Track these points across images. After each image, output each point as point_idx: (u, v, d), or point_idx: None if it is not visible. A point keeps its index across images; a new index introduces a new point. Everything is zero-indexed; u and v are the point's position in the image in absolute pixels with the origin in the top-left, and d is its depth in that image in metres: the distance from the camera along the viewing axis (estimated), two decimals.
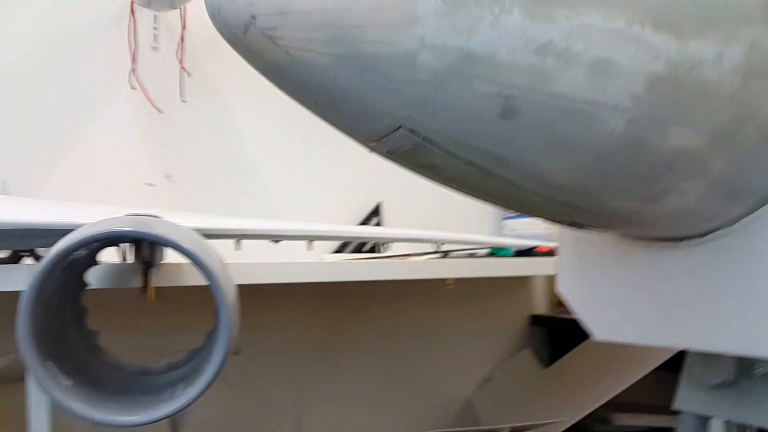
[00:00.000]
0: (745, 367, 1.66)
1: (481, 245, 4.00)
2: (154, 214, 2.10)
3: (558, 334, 4.61)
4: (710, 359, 1.69)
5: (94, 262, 2.22)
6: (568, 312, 1.88)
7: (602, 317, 1.77)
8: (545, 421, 3.59)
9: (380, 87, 1.07)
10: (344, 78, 1.06)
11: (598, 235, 1.72)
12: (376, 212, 4.77)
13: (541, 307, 4.79)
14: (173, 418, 3.57)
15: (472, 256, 4.10)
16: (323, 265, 3.71)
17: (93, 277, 2.22)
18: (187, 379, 1.83)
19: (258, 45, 1.04)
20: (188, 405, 1.71)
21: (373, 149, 1.21)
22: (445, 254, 3.96)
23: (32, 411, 2.17)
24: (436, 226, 4.69)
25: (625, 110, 1.15)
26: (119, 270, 2.35)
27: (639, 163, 1.23)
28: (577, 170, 1.22)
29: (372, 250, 4.59)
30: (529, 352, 4.47)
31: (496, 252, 4.11)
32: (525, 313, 4.73)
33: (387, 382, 4.15)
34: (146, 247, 2.16)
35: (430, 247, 3.91)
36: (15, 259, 2.69)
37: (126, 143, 4.06)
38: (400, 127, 1.14)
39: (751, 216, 1.45)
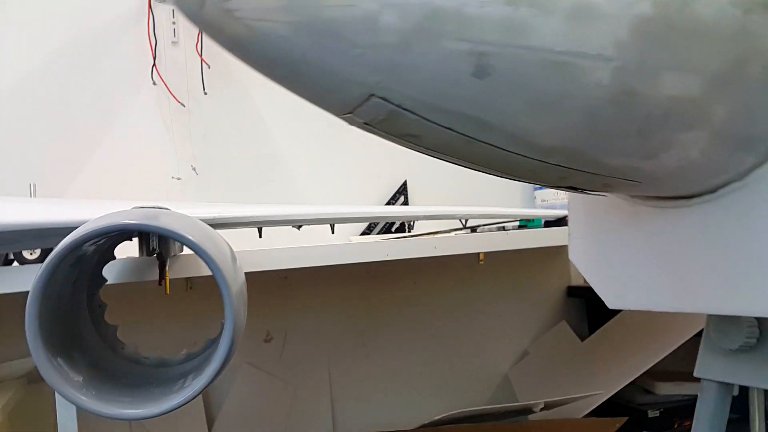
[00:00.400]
0: (766, 330, 1.56)
1: (509, 218, 3.91)
2: (164, 206, 2.11)
3: (596, 304, 4.47)
4: (729, 324, 1.59)
5: (112, 257, 2.25)
6: None
7: (615, 284, 1.69)
8: (581, 395, 3.50)
9: (344, 54, 1.01)
10: (306, 47, 1.00)
11: (604, 198, 1.63)
12: (402, 191, 4.71)
13: (577, 278, 4.68)
14: (208, 407, 3.63)
15: (502, 229, 4.01)
16: (349, 246, 3.69)
17: (110, 273, 2.25)
18: (198, 369, 1.84)
19: (216, 19, 0.99)
20: (196, 396, 1.71)
21: (349, 122, 1.16)
22: (473, 229, 3.89)
23: (59, 408, 2.22)
24: (464, 201, 4.61)
25: (611, 59, 1.06)
26: (135, 264, 2.37)
27: (632, 116, 1.14)
28: (565, 129, 1.15)
29: (400, 230, 4.55)
30: (565, 325, 4.38)
31: (526, 224, 4.01)
32: (561, 285, 4.62)
33: (422, 361, 4.12)
34: (154, 240, 2.17)
35: (457, 223, 3.85)
36: (42, 258, 2.76)
37: (151, 139, 4.11)
38: (371, 95, 1.09)
39: (764, 166, 1.34)
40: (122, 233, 2.03)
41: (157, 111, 4.17)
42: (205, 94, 4.24)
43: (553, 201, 4.75)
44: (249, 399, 3.72)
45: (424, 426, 3.48)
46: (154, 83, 4.12)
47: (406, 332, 4.13)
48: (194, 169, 4.11)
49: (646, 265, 1.59)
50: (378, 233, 4.51)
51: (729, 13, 1.10)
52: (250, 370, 3.75)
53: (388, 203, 4.65)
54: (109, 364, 2.01)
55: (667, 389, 4.00)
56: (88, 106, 3.98)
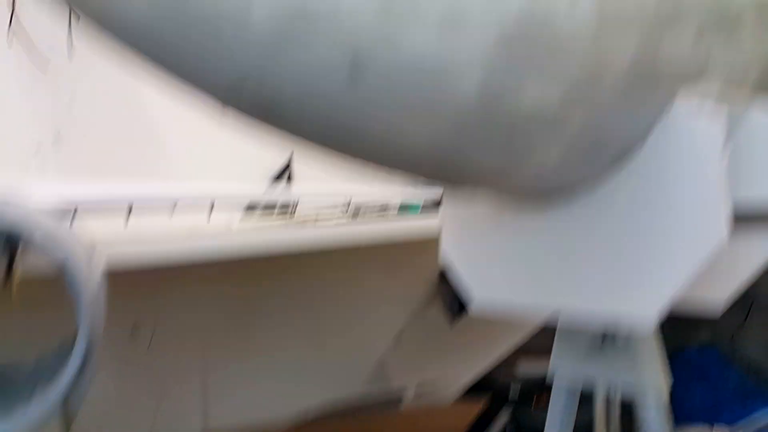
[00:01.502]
0: (608, 336, 1.69)
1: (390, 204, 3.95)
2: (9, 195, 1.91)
3: None
4: (576, 327, 1.71)
5: None
6: None
7: (483, 283, 1.76)
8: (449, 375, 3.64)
9: (212, 48, 0.97)
10: (171, 36, 0.96)
11: (474, 200, 1.69)
12: (289, 165, 4.61)
13: None
14: (65, 403, 3.39)
15: (384, 210, 4.04)
16: (224, 237, 3.55)
17: None
18: (51, 378, 1.70)
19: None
20: (51, 409, 1.58)
21: (224, 110, 1.13)
22: (356, 212, 3.89)
23: None
24: (354, 177, 4.57)
25: (478, 66, 1.09)
26: None
27: (498, 122, 1.19)
28: (436, 133, 1.17)
29: (284, 208, 4.45)
30: (437, 309, 4.52)
31: (405, 209, 4.06)
32: (436, 268, 4.74)
33: (299, 350, 4.08)
34: None
35: (340, 206, 3.82)
36: None
37: (7, 105, 3.69)
38: (242, 89, 1.05)
39: (612, 174, 1.44)
40: None
41: (14, 75, 3.74)
42: (72, 55, 3.84)
43: None
44: (112, 394, 3.51)
45: (296, 425, 3.47)
46: (10, 46, 3.69)
47: (283, 322, 4.07)
48: (57, 138, 3.74)
49: (511, 265, 1.67)
50: (261, 210, 4.39)
51: (584, 27, 1.16)
52: (112, 363, 3.54)
53: (276, 178, 4.53)
54: None
55: (527, 367, 4.27)
56: None
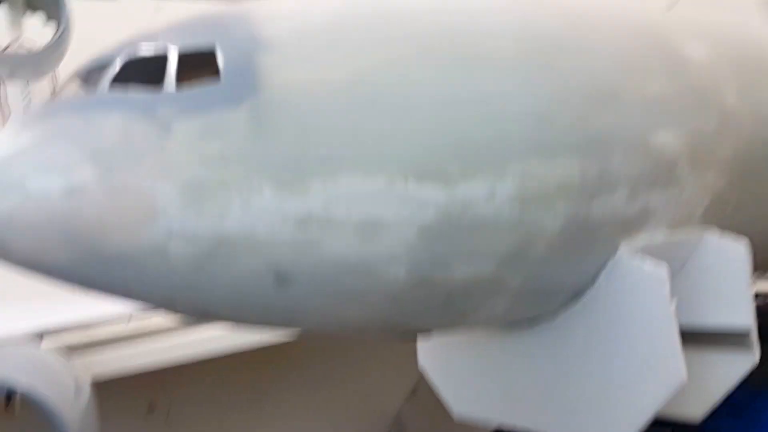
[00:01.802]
0: None
1: None
2: None
3: None
4: None
5: None
6: None
7: (460, 394, 1.77)
8: None
9: (133, 279, 1.02)
10: (90, 276, 1.01)
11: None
12: None
13: None
14: None
15: None
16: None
17: None
18: None
19: None
20: None
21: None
22: None
23: None
24: None
25: (403, 259, 1.13)
26: None
27: (434, 296, 1.22)
28: (373, 312, 1.20)
29: None
30: None
31: None
32: None
33: (315, 411, 4.11)
34: None
35: None
36: None
37: None
38: (173, 304, 1.11)
39: (569, 310, 1.45)
40: None
41: None
42: None
43: None
44: None
45: None
46: None
47: (298, 382, 4.11)
48: None
49: (485, 381, 1.68)
50: None
51: (507, 209, 1.19)
52: None
53: None
54: None
55: None
56: None
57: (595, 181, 1.28)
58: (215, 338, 2.95)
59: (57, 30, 2.83)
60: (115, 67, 1.00)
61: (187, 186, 0.98)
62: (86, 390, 2.00)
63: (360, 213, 1.07)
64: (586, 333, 1.42)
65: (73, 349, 2.74)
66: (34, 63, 3.34)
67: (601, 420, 1.41)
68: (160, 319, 3.07)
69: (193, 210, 0.98)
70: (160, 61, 1.00)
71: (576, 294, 1.43)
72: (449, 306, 1.26)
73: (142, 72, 1.01)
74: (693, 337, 1.39)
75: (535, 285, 1.34)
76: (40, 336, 2.28)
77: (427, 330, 1.33)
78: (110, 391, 3.63)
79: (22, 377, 1.67)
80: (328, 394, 4.20)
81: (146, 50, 1.03)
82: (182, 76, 1.02)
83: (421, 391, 4.44)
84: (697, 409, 1.51)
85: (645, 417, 1.34)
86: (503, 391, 1.65)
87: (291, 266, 1.06)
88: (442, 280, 1.19)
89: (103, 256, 0.98)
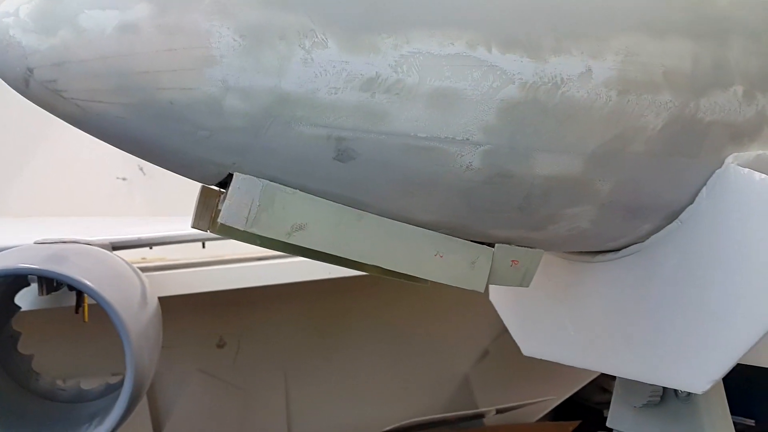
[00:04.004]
0: (669, 390, 1.52)
1: None
2: (69, 239, 2.02)
3: None
4: (635, 383, 1.54)
5: (26, 283, 2.17)
6: None
7: (530, 332, 1.64)
8: (532, 401, 3.49)
9: (189, 136, 0.94)
10: (147, 128, 0.94)
11: None
12: None
13: None
14: (156, 414, 3.59)
15: None
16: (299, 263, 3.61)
17: (24, 300, 2.17)
18: (104, 413, 1.78)
19: (44, 98, 0.93)
20: None
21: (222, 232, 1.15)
22: None
23: None
24: None
25: (479, 143, 0.99)
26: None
27: (510, 195, 1.07)
28: (442, 208, 1.08)
29: None
30: None
31: None
32: None
33: (381, 365, 4.07)
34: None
35: None
36: None
37: (94, 138, 3.97)
38: (230, 175, 1.02)
39: (662, 231, 1.28)
40: (17, 277, 1.94)
41: None
42: None
43: None
44: (200, 406, 3.67)
45: None
46: None
47: (365, 337, 4.08)
48: (141, 169, 3.99)
49: (557, 317, 1.54)
50: None
51: (603, 95, 1.03)
52: (201, 377, 3.70)
53: None
54: (18, 404, 1.95)
55: None
56: (24, 101, 3.83)
57: (707, 71, 1.10)
58: (287, 270, 2.93)
59: None
60: None
61: (246, 32, 0.89)
62: (153, 303, 2.00)
63: (434, 80, 0.94)
64: (679, 260, 1.24)
65: (143, 270, 2.81)
66: None
67: (685, 360, 1.25)
68: (233, 247, 3.09)
69: (251, 60, 0.90)
70: None
71: (670, 214, 1.25)
72: (526, 211, 1.12)
73: None
74: None
75: (626, 196, 1.17)
76: (112, 248, 2.31)
77: (500, 239, 1.18)
78: (183, 323, 3.74)
79: (88, 278, 1.67)
80: (399, 345, 4.15)
81: None
82: None
83: (492, 355, 4.31)
84: None
85: (736, 356, 1.17)
86: (577, 330, 1.50)
87: (353, 138, 0.96)
88: (521, 176, 1.05)
89: (156, 105, 0.91)
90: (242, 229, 1.00)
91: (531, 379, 3.96)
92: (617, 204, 1.17)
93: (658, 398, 1.51)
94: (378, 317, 4.09)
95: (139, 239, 2.42)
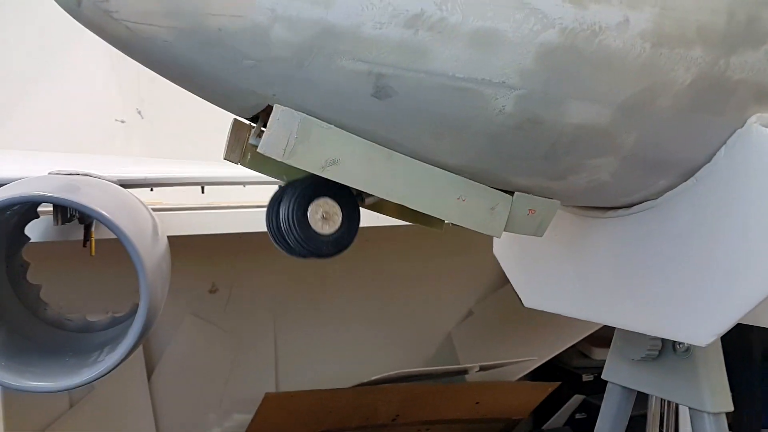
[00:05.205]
0: (667, 344, 1.59)
1: None
2: (82, 171, 2.03)
3: None
4: (634, 335, 1.62)
5: (35, 215, 2.18)
6: None
7: (532, 284, 1.70)
8: (516, 360, 3.60)
9: (234, 64, 0.96)
10: (192, 54, 0.96)
11: None
12: None
13: None
14: (149, 354, 3.65)
15: None
16: None
17: (34, 231, 2.19)
18: (115, 342, 1.82)
19: (95, 19, 0.94)
20: (109, 371, 1.69)
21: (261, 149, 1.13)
22: None
23: None
24: None
25: (515, 87, 1.02)
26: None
27: (538, 142, 1.12)
28: (469, 151, 1.12)
29: None
30: (511, 287, 4.44)
31: None
32: None
33: (368, 319, 4.16)
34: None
35: None
36: None
37: (94, 78, 3.92)
38: (268, 106, 1.05)
39: (677, 188, 1.34)
40: (32, 204, 1.95)
41: (101, 47, 3.96)
42: None
43: None
44: (191, 348, 3.74)
45: (361, 384, 3.55)
46: None
47: (354, 289, 4.15)
48: (140, 113, 3.96)
49: (563, 270, 1.60)
50: None
51: (638, 46, 1.06)
52: (193, 320, 3.75)
53: None
54: (27, 329, 1.97)
55: (603, 354, 4.12)
56: (26, 42, 3.76)
57: (741, 29, 1.13)
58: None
59: None
60: None
61: None
62: (164, 239, 2.03)
63: (476, 20, 0.96)
64: (691, 218, 1.30)
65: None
66: None
67: (689, 314, 1.32)
68: (231, 195, 3.11)
69: None
70: None
71: (687, 171, 1.30)
72: (551, 159, 1.16)
73: None
74: None
75: (648, 150, 1.22)
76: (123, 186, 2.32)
77: (520, 188, 1.23)
78: (177, 267, 3.78)
79: (103, 208, 1.69)
80: (386, 301, 4.23)
81: None
82: None
83: (476, 315, 4.41)
84: None
85: (740, 313, 1.24)
86: (582, 283, 1.56)
87: (393, 75, 0.98)
88: (551, 123, 1.08)
89: (205, 31, 0.93)
90: (279, 159, 1.03)
91: (512, 341, 4.07)
92: (638, 157, 1.22)
93: (657, 352, 1.58)
94: (368, 273, 4.16)
95: (145, 179, 2.42)
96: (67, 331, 2.09)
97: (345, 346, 4.11)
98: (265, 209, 2.89)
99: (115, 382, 3.49)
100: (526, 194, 1.23)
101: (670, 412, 1.77)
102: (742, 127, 1.23)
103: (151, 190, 3.02)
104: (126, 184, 2.40)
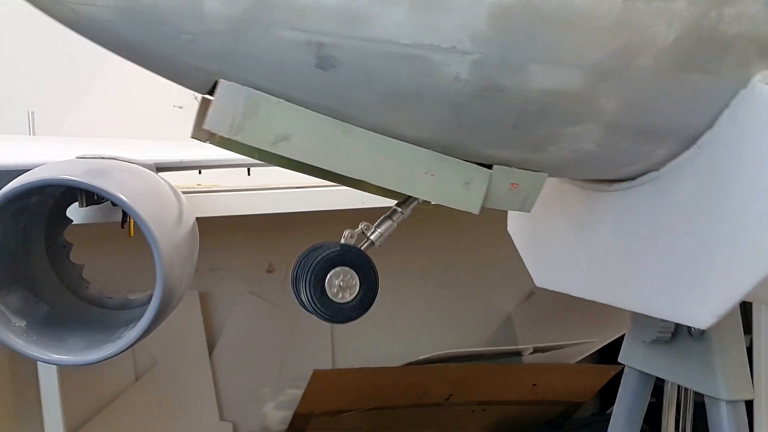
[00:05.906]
0: (681, 327, 1.46)
1: None
2: (111, 156, 2.11)
3: None
4: (645, 317, 1.49)
5: (75, 199, 2.29)
6: None
7: (542, 263, 1.61)
8: (572, 342, 3.46)
9: (174, 40, 0.96)
10: (134, 32, 0.96)
11: None
12: None
13: None
14: (210, 332, 3.79)
15: None
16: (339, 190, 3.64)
17: (76, 213, 2.30)
18: (138, 319, 1.88)
19: (44, 3, 0.96)
20: (127, 348, 1.76)
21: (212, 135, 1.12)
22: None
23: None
24: None
25: (467, 52, 0.95)
26: (101, 205, 2.41)
27: (504, 110, 1.03)
28: (430, 123, 1.05)
29: None
30: None
31: None
32: None
33: (425, 299, 4.12)
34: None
35: None
36: None
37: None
38: (216, 82, 1.04)
39: (679, 158, 1.21)
40: (58, 188, 2.04)
41: None
42: None
43: None
44: (250, 326, 3.85)
45: (412, 363, 3.54)
46: None
47: (412, 269, 4.12)
48: (196, 98, 4.07)
49: (570, 248, 1.50)
50: None
51: (607, 2, 0.96)
52: (251, 299, 3.86)
53: None
54: (66, 306, 2.08)
55: None
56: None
57: None
58: (334, 197, 2.97)
59: None
60: None
61: None
62: (189, 222, 2.07)
63: None
64: (695, 189, 1.16)
65: (195, 193, 2.92)
66: None
67: (690, 294, 1.19)
68: (277, 176, 3.15)
69: None
70: None
71: (687, 139, 1.17)
72: (522, 129, 1.07)
73: None
74: None
75: (635, 116, 1.10)
76: (156, 169, 2.39)
77: (499, 161, 1.15)
78: (235, 248, 3.89)
79: (122, 192, 1.74)
80: (443, 281, 4.18)
81: None
82: None
83: (538, 296, 4.28)
84: None
85: (742, 291, 1.11)
86: (588, 261, 1.46)
87: (334, 44, 0.94)
88: (514, 89, 1.00)
89: (141, 8, 0.93)
90: (226, 136, 1.01)
91: (574, 323, 3.91)
92: (625, 125, 1.11)
93: (669, 334, 1.46)
94: (426, 254, 4.11)
95: (182, 161, 2.49)
96: (106, 308, 2.19)
97: (401, 326, 4.11)
98: (312, 189, 2.91)
99: (178, 356, 3.67)
100: (506, 167, 1.15)
101: (687, 399, 1.64)
102: (745, 87, 1.09)
103: (200, 172, 3.12)
104: (165, 168, 2.48)
